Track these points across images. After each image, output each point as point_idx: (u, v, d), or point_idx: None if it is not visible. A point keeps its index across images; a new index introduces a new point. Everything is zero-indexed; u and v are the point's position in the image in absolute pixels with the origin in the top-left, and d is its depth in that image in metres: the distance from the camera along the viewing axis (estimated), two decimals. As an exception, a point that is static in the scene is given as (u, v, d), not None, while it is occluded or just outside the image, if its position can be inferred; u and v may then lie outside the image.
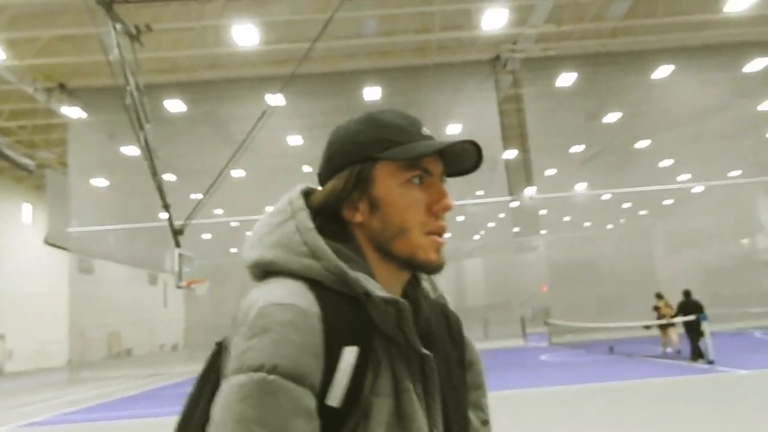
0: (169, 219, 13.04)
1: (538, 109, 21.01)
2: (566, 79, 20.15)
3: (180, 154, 23.99)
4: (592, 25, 17.40)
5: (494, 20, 16.22)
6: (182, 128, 22.43)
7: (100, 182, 23.94)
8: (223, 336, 0.94)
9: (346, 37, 17.65)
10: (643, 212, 41.34)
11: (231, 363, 0.81)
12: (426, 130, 0.98)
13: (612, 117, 24.24)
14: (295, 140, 24.88)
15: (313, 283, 0.87)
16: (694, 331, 12.73)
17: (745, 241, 38.48)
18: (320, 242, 0.90)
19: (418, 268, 0.95)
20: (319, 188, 0.99)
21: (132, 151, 24.86)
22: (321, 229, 0.93)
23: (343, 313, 0.85)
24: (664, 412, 7.72)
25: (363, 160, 0.94)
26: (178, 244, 12.90)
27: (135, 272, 38.34)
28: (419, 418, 0.87)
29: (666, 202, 39.13)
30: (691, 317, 12.67)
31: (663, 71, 20.34)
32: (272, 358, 0.78)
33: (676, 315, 13.48)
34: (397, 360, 0.88)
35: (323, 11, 15.12)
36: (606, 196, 34.48)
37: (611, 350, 16.60)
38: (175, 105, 20.69)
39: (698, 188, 34.40)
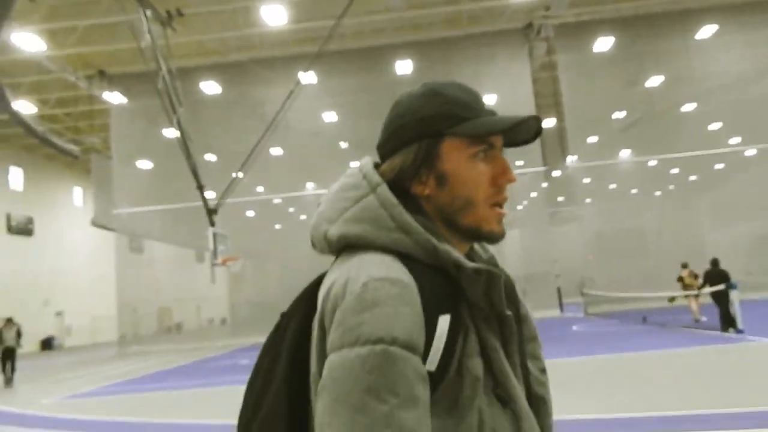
0: (203, 199, 13.40)
1: (574, 76, 20.52)
2: (603, 44, 19.60)
3: (219, 135, 24.40)
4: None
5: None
6: (219, 110, 22.83)
7: (142, 164, 24.63)
8: (289, 308, 0.99)
9: (376, 12, 17.55)
10: (692, 178, 40.20)
11: (339, 337, 0.82)
12: (488, 104, 0.99)
13: (654, 81, 23.49)
14: (329, 117, 25.02)
15: (403, 256, 0.90)
16: (722, 301, 12.51)
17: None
18: (408, 217, 0.91)
19: (483, 238, 0.99)
20: (384, 163, 1.00)
21: (173, 133, 25.54)
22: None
23: (435, 284, 0.88)
24: (689, 382, 7.67)
25: (431, 135, 0.95)
26: (212, 223, 13.27)
27: (183, 251, 39.58)
28: (507, 371, 0.92)
29: (717, 167, 37.91)
30: (721, 287, 12.45)
31: (706, 31, 19.56)
32: (390, 331, 0.80)
33: (703, 285, 13.25)
34: (480, 322, 0.91)
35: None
36: (652, 163, 33.63)
37: (644, 320, 16.41)
38: (210, 87, 21.06)
39: (750, 152, 33.19)
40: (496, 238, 0.98)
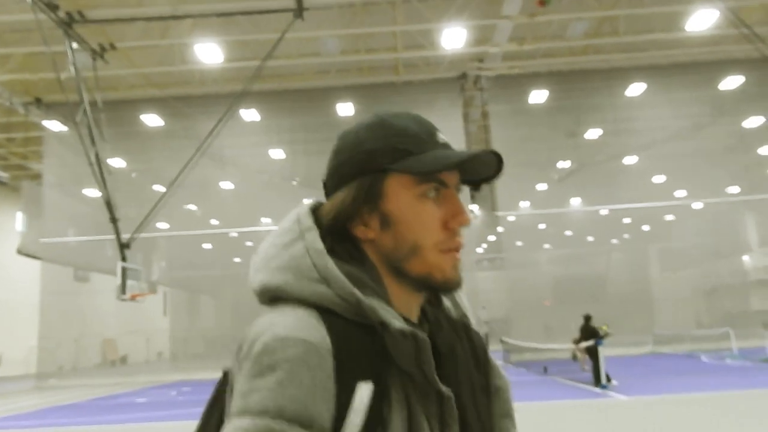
0: (116, 233, 13.34)
1: (510, 125, 21.10)
2: (538, 96, 20.24)
3: (166, 166, 24.44)
4: (555, 43, 17.49)
5: (454, 40, 16.37)
6: (163, 142, 22.89)
7: (75, 193, 24.44)
8: (226, 367, 0.89)
9: (312, 55, 17.92)
10: (645, 228, 41.24)
11: (234, 402, 0.75)
12: (441, 137, 0.90)
13: (592, 134, 24.27)
14: (277, 154, 25.24)
15: (325, 311, 0.81)
16: (593, 356, 12.94)
17: (735, 259, 38.11)
18: (331, 265, 0.82)
19: (435, 288, 0.89)
20: (326, 202, 0.92)
21: (116, 162, 25.45)
22: (333, 250, 0.85)
23: (357, 344, 0.79)
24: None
25: (373, 171, 0.87)
26: (123, 258, 13.17)
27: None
28: None
29: (668, 218, 38.94)
30: (589, 342, 12.88)
31: (635, 89, 20.34)
32: (278, 401, 0.72)
33: (579, 340, 13.62)
34: (413, 396, 0.80)
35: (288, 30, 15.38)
36: (604, 211, 34.47)
37: (545, 370, 16.59)
38: (153, 120, 21.12)
39: (697, 205, 34.23)
40: (450, 286, 0.89)
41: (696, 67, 19.29)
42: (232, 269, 37.78)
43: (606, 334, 13.90)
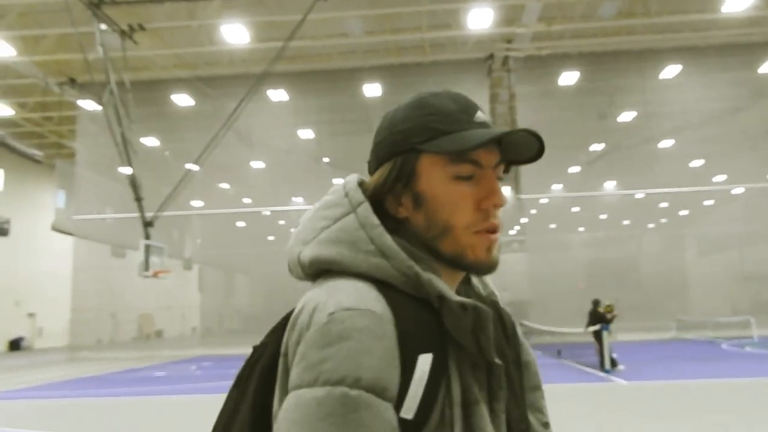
0: (141, 212, 13.65)
1: (538, 107, 20.82)
2: (568, 77, 19.89)
3: (195, 146, 24.86)
4: (585, 24, 17.11)
5: (480, 19, 16.17)
6: (194, 122, 23.21)
7: (109, 171, 25.03)
8: (262, 341, 0.88)
9: (340, 36, 17.92)
10: (683, 212, 40.41)
11: (300, 374, 0.74)
12: (481, 116, 0.89)
13: (626, 116, 23.77)
14: (306, 134, 25.39)
15: (381, 284, 0.81)
16: (599, 341, 12.90)
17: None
18: (389, 240, 0.82)
19: (467, 268, 0.88)
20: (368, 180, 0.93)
21: (150, 141, 25.96)
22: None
23: (416, 317, 0.79)
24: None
25: (407, 151, 0.87)
26: (147, 236, 13.50)
27: (169, 259, 39.85)
28: (489, 430, 0.81)
29: (706, 203, 38.08)
30: (596, 327, 12.84)
31: (670, 71, 19.81)
32: (353, 370, 0.71)
33: (587, 325, 13.53)
34: (465, 368, 0.81)
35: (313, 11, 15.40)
36: (639, 195, 33.87)
37: (559, 353, 16.50)
38: (183, 99, 21.43)
39: (737, 190, 33.35)
40: (484, 268, 0.88)
41: (733, 48, 18.69)
42: (264, 247, 38.39)
43: (612, 313, 13.81)
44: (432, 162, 0.86)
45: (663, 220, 42.56)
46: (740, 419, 7.65)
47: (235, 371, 0.92)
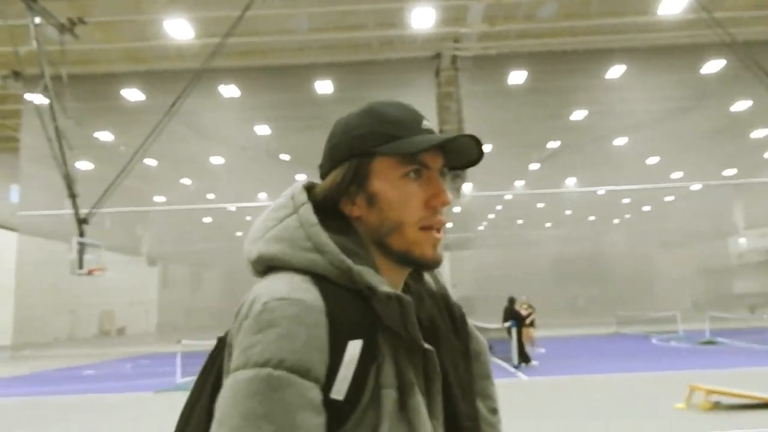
0: (75, 209, 13.56)
1: (490, 105, 21.06)
2: (517, 77, 20.15)
3: (152, 141, 24.69)
4: (528, 25, 17.36)
5: (423, 19, 16.32)
6: (146, 116, 23.03)
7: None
8: (225, 332, 0.94)
9: (286, 32, 17.93)
10: (646, 208, 41.17)
11: (236, 358, 0.82)
12: (427, 123, 0.97)
13: (577, 115, 24.16)
14: (262, 130, 25.33)
15: (318, 278, 0.88)
16: (515, 336, 13.26)
17: (729, 240, 37.97)
18: (324, 237, 0.90)
19: (414, 264, 0.96)
20: (319, 183, 1.00)
21: (104, 136, 25.70)
22: (324, 224, 0.93)
23: (348, 307, 0.86)
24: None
25: (361, 154, 0.95)
26: (81, 233, 13.42)
27: (133, 254, 39.52)
28: (422, 410, 0.87)
29: (667, 199, 38.82)
30: (507, 324, 13.20)
31: (615, 71, 20.18)
32: (278, 353, 0.78)
33: (503, 321, 13.86)
34: (400, 354, 0.88)
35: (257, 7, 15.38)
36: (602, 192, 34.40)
37: (491, 349, 16.83)
38: (134, 94, 21.25)
39: (695, 186, 34.07)
40: (429, 264, 0.96)
41: (675, 50, 19.09)
42: (231, 243, 38.16)
43: (528, 310, 14.14)
44: (385, 164, 0.94)
45: (627, 216, 43.29)
46: (625, 413, 7.86)
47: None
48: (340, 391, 0.82)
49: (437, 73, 19.08)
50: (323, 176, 0.99)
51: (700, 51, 19.06)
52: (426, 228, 0.94)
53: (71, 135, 23.91)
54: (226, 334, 0.93)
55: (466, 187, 32.73)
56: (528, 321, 14.69)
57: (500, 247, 42.60)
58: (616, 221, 44.39)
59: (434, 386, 0.91)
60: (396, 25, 17.10)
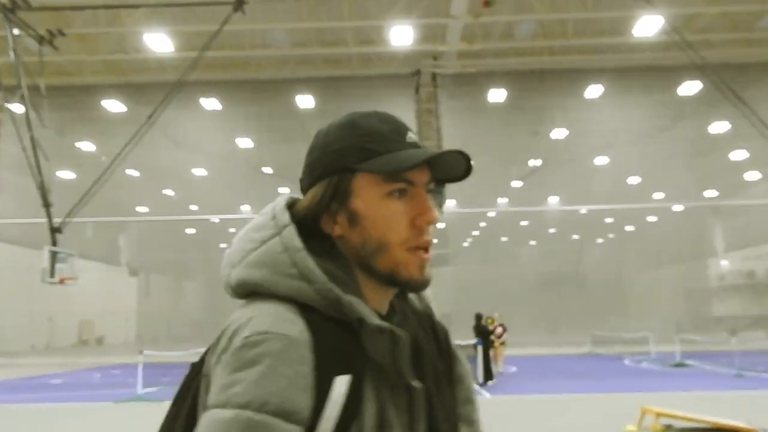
0: (48, 218, 13.54)
1: (468, 122, 21.27)
2: (497, 95, 20.36)
3: (131, 151, 24.67)
4: (505, 44, 17.58)
5: (402, 37, 16.50)
6: (127, 127, 23.05)
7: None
8: (200, 358, 0.89)
9: (264, 47, 18.05)
10: (629, 228, 41.44)
11: (214, 395, 0.76)
12: (411, 136, 0.91)
13: (556, 133, 24.38)
14: (244, 142, 25.42)
15: (303, 307, 0.82)
16: (483, 354, 13.33)
17: (711, 262, 38.25)
18: (311, 263, 0.84)
19: (400, 285, 0.90)
20: (301, 198, 0.94)
21: (86, 146, 25.64)
22: (308, 246, 0.86)
23: (335, 339, 0.80)
24: None
25: (341, 170, 0.89)
26: (54, 242, 13.39)
27: (115, 264, 39.36)
28: None
29: (650, 219, 39.10)
30: (471, 341, 13.29)
31: (593, 91, 20.44)
32: (261, 395, 0.73)
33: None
34: (383, 388, 0.83)
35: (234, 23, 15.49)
36: (583, 211, 34.62)
37: None
38: (115, 105, 21.28)
39: (677, 207, 34.36)
40: (416, 285, 0.90)
41: (652, 71, 19.39)
42: (213, 254, 38.04)
43: (493, 326, 14.18)
44: (366, 181, 0.87)
45: (611, 235, 43.54)
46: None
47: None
48: (325, 431, 0.77)
49: (417, 90, 19.23)
50: (304, 191, 0.94)
51: (677, 72, 19.34)
52: (413, 249, 0.88)
53: (52, 145, 23.90)
54: (201, 360, 0.88)
55: (449, 203, 32.94)
56: (499, 339, 14.73)
57: (482, 264, 42.72)
58: (599, 240, 44.61)
59: (417, 424, 0.86)
60: (375, 42, 17.27)
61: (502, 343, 14.92)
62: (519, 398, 11.53)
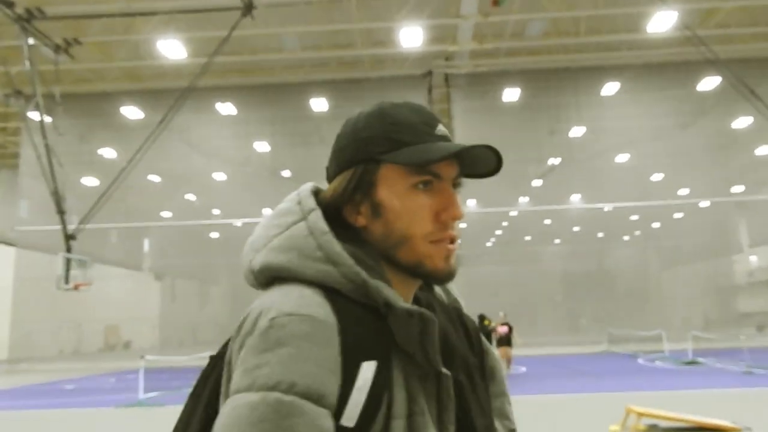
0: (63, 225, 13.79)
1: (483, 122, 21.14)
2: (511, 94, 20.22)
3: (152, 157, 25.06)
4: (516, 42, 17.45)
5: (411, 38, 16.48)
6: (146, 133, 23.42)
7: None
8: (220, 349, 0.87)
9: (276, 51, 18.17)
10: (655, 225, 40.84)
11: (239, 379, 0.73)
12: (441, 129, 0.89)
13: (574, 131, 24.12)
14: (262, 146, 25.64)
15: (329, 291, 0.80)
16: None
17: (739, 258, 37.49)
18: (337, 247, 0.82)
19: (425, 277, 0.88)
20: (326, 187, 0.93)
21: (108, 153, 26.09)
22: (333, 231, 0.85)
23: (362, 324, 0.78)
24: None
25: (367, 160, 0.87)
26: (68, 249, 13.63)
27: (140, 269, 39.98)
28: None
29: (676, 216, 38.46)
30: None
31: (609, 88, 20.18)
32: (289, 376, 0.70)
33: None
34: (412, 376, 0.80)
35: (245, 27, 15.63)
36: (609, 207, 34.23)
37: None
38: (134, 112, 21.62)
39: (704, 203, 33.76)
40: (441, 277, 0.88)
41: (670, 67, 19.08)
42: (238, 258, 38.35)
43: (491, 326, 13.98)
44: (392, 172, 0.86)
45: (637, 233, 42.95)
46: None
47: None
48: (351, 417, 0.73)
49: (430, 91, 19.18)
50: (330, 179, 0.92)
51: (695, 68, 18.99)
52: (437, 241, 0.86)
53: (74, 152, 24.43)
54: (220, 352, 0.86)
55: (470, 204, 32.80)
56: (502, 338, 14.42)
57: (506, 264, 42.48)
58: (626, 238, 44.05)
59: (447, 413, 0.83)
60: (386, 44, 17.28)
61: (509, 344, 14.61)
62: (513, 399, 11.30)
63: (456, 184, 0.90)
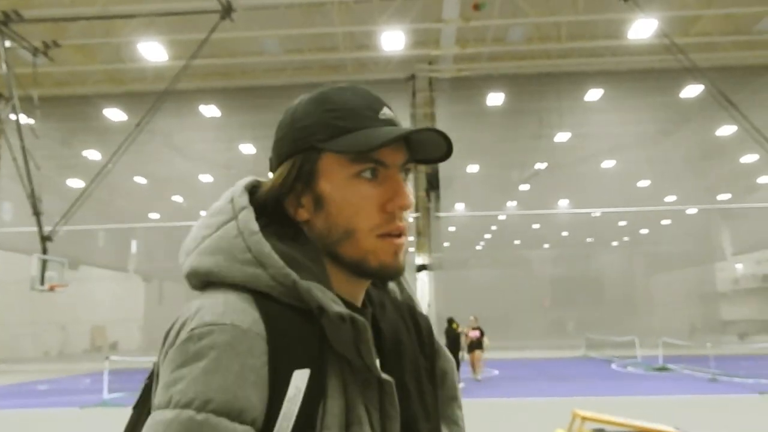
0: (39, 227, 13.71)
1: (468, 127, 21.18)
2: (495, 98, 20.24)
3: (135, 159, 24.96)
4: (498, 47, 17.46)
5: (394, 42, 16.47)
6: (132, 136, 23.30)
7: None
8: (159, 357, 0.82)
9: (257, 54, 18.12)
10: (643, 231, 40.97)
11: (158, 394, 0.69)
12: (386, 112, 0.84)
13: (559, 137, 24.18)
14: (247, 149, 25.60)
15: (259, 295, 0.75)
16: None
17: (724, 265, 37.65)
18: (266, 247, 0.77)
19: (370, 274, 0.82)
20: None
21: (93, 155, 25.94)
22: (271, 230, 0.80)
23: (294, 329, 0.74)
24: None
25: (307, 149, 0.81)
26: (44, 251, 13.56)
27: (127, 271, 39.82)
28: None
29: (664, 222, 38.60)
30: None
31: (592, 94, 20.22)
32: (204, 392, 0.66)
33: (446, 344, 13.74)
34: (351, 384, 0.76)
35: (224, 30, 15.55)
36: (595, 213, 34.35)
37: None
38: (117, 114, 21.52)
39: (691, 210, 33.91)
40: (388, 274, 0.82)
41: (652, 74, 19.11)
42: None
43: (458, 329, 14.01)
44: (333, 161, 0.80)
45: (625, 239, 43.10)
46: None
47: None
48: (283, 431, 0.69)
49: (414, 94, 19.17)
50: (272, 171, 0.86)
51: (677, 76, 19.03)
52: (383, 235, 0.80)
53: (58, 154, 24.29)
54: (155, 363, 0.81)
55: (458, 207, 32.82)
56: (473, 342, 14.40)
57: (495, 267, 42.59)
58: (614, 243, 44.22)
59: (390, 422, 0.78)
60: (369, 47, 17.26)
61: (480, 348, 14.59)
62: (469, 402, 11.33)
63: (405, 171, 0.84)
